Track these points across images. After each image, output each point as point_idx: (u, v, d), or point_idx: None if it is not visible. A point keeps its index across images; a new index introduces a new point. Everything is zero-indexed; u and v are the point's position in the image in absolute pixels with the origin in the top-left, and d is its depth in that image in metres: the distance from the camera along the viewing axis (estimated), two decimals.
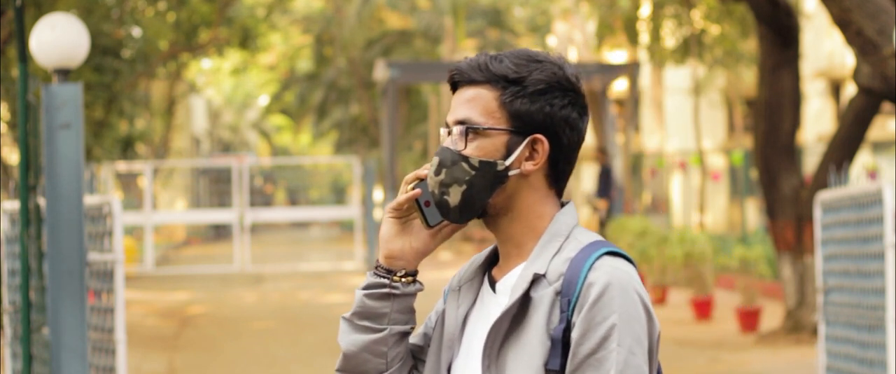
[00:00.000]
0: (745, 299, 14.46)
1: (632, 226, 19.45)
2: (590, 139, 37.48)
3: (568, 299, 2.23)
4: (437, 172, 2.31)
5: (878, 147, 29.08)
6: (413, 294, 2.41)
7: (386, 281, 2.39)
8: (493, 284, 2.37)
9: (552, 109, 2.30)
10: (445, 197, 2.31)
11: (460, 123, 2.31)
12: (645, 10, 26.15)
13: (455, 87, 2.37)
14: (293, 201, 41.02)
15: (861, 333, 8.05)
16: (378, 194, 32.56)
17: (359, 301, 2.39)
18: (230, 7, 23.16)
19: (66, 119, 6.71)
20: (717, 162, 33.07)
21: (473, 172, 2.29)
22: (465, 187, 2.30)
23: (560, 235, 2.31)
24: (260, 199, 39.35)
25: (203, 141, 51.89)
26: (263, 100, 56.59)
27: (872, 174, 15.24)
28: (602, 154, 26.07)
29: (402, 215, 2.39)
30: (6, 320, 8.07)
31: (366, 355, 2.39)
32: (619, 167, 26.27)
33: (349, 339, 2.40)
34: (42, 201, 6.83)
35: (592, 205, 26.41)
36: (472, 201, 2.30)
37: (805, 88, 25.28)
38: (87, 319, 6.84)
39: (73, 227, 6.72)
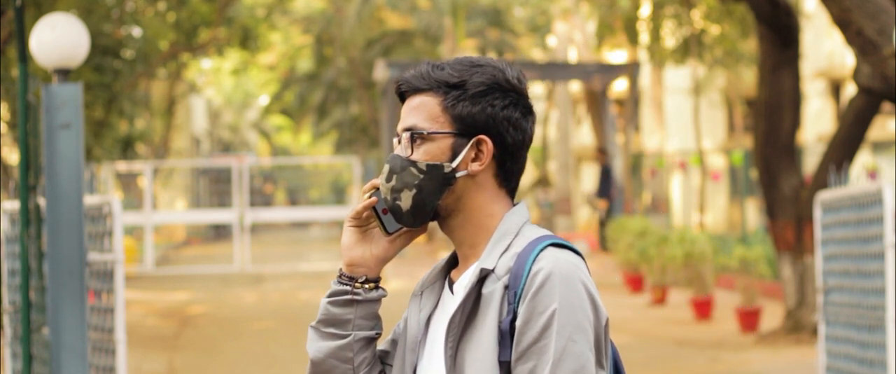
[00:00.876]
0: (745, 299, 14.46)
1: (632, 226, 19.45)
2: (590, 139, 37.50)
3: (514, 291, 2.28)
4: (389, 179, 2.39)
5: (878, 147, 29.08)
6: (376, 300, 2.47)
7: (348, 288, 2.45)
8: (451, 285, 2.43)
9: (494, 109, 2.36)
10: (398, 202, 2.38)
11: (407, 130, 2.38)
12: (645, 10, 26.15)
13: (402, 98, 2.43)
14: (293, 201, 41.04)
15: (861, 333, 8.05)
16: None
17: (323, 309, 2.46)
18: (230, 7, 23.16)
19: (66, 119, 6.71)
20: (717, 162, 33.06)
21: (422, 176, 2.36)
22: (415, 190, 2.36)
23: (509, 233, 2.36)
24: (260, 199, 39.36)
25: (203, 141, 51.89)
26: (263, 100, 56.58)
27: (872, 174, 15.23)
28: (602, 154, 26.06)
29: (362, 223, 2.46)
30: (6, 320, 8.07)
31: (332, 361, 2.45)
32: (619, 167, 26.26)
33: (316, 346, 2.46)
34: (42, 201, 6.83)
35: (592, 205, 26.41)
36: (423, 204, 2.37)
37: (805, 88, 25.28)
38: (87, 319, 6.85)
39: (73, 227, 6.72)
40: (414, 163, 2.37)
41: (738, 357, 12.56)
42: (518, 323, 2.26)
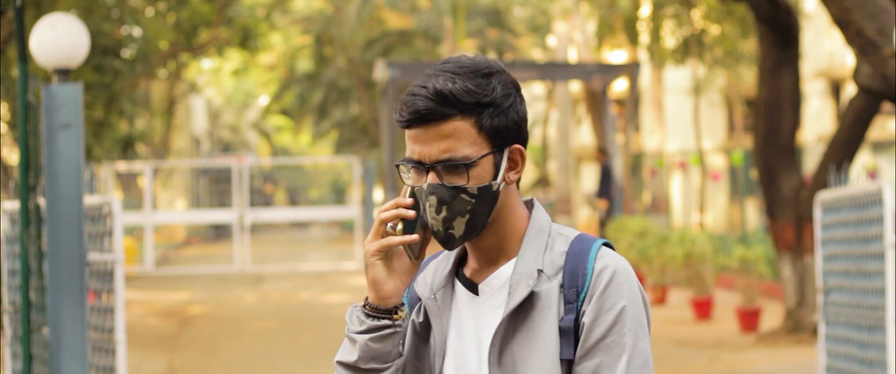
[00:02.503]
0: (745, 299, 14.46)
1: (632, 226, 19.45)
2: (590, 139, 37.50)
3: (576, 289, 2.30)
4: (439, 211, 2.33)
5: (878, 147, 29.07)
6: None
7: (389, 322, 2.38)
8: (468, 286, 2.40)
9: (517, 115, 2.36)
10: (451, 231, 2.34)
11: (447, 161, 2.31)
12: (645, 10, 26.15)
13: (414, 125, 2.33)
14: (293, 201, 41.03)
15: (861, 333, 8.05)
16: (378, 194, 32.57)
17: (363, 346, 2.36)
18: (230, 7, 23.16)
19: (66, 119, 6.71)
20: (717, 162, 33.06)
21: (474, 201, 2.33)
22: (468, 216, 2.33)
23: (543, 231, 2.37)
24: (260, 199, 39.33)
25: (203, 141, 51.89)
26: (263, 100, 56.60)
27: (872, 174, 15.24)
28: (602, 154, 26.07)
29: (385, 255, 2.38)
30: (6, 320, 8.07)
31: None
32: (619, 167, 26.26)
33: None
34: (42, 201, 6.83)
35: (592, 205, 26.39)
36: (475, 226, 2.35)
37: (805, 88, 25.29)
38: (87, 319, 6.85)
39: (73, 227, 6.72)
40: (464, 189, 2.32)
41: (738, 357, 12.56)
42: (586, 320, 2.29)
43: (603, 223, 24.44)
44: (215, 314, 17.75)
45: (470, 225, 2.33)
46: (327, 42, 41.35)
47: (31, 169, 6.86)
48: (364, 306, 2.39)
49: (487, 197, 2.33)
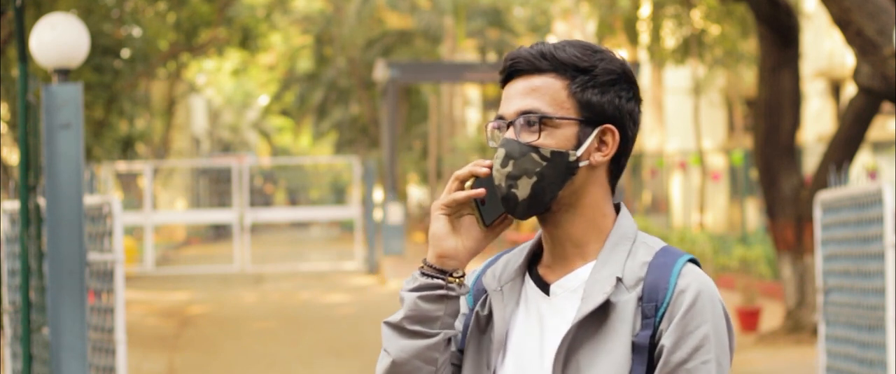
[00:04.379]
0: (745, 299, 14.46)
1: None
2: None
3: (654, 305, 2.17)
4: (505, 164, 2.20)
5: (878, 147, 29.07)
6: (462, 296, 2.29)
7: (441, 282, 2.25)
8: (540, 284, 2.27)
9: (620, 101, 2.24)
10: (513, 190, 2.20)
11: (527, 113, 2.21)
12: (645, 10, 26.15)
13: (510, 77, 2.27)
14: (293, 201, 41.00)
15: (861, 333, 8.05)
16: (378, 194, 32.57)
17: (411, 304, 2.25)
18: (230, 7, 23.16)
19: (66, 119, 6.71)
20: (717, 162, 33.06)
21: (545, 163, 2.19)
22: (535, 179, 2.20)
23: (627, 237, 2.23)
24: (260, 199, 39.33)
25: (203, 141, 51.89)
26: (263, 100, 56.60)
27: (872, 174, 15.24)
28: None
29: (454, 211, 2.26)
30: (6, 320, 8.07)
31: (417, 362, 2.25)
32: None
33: (398, 345, 2.26)
34: (42, 201, 6.83)
35: None
36: (542, 194, 2.20)
37: (805, 88, 25.29)
38: (87, 319, 6.84)
39: (73, 227, 6.72)
40: (536, 148, 2.19)
41: (738, 357, 12.56)
42: (666, 342, 2.15)
43: None
44: (215, 313, 17.75)
45: (536, 190, 2.19)
46: (327, 42, 41.36)
47: (31, 169, 6.86)
48: (422, 265, 2.28)
49: (561, 166, 2.19)
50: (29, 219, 6.88)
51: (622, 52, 34.70)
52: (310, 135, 52.85)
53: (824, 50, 31.97)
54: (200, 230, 39.69)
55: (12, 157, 17.56)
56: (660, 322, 2.16)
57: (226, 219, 27.94)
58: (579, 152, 2.21)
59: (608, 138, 2.23)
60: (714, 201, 33.69)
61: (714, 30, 24.55)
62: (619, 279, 2.19)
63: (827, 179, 11.67)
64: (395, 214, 25.93)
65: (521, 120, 2.21)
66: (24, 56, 6.83)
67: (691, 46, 23.94)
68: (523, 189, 2.20)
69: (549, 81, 2.23)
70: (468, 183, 2.26)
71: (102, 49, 18.45)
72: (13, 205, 7.89)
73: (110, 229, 7.14)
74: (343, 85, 42.65)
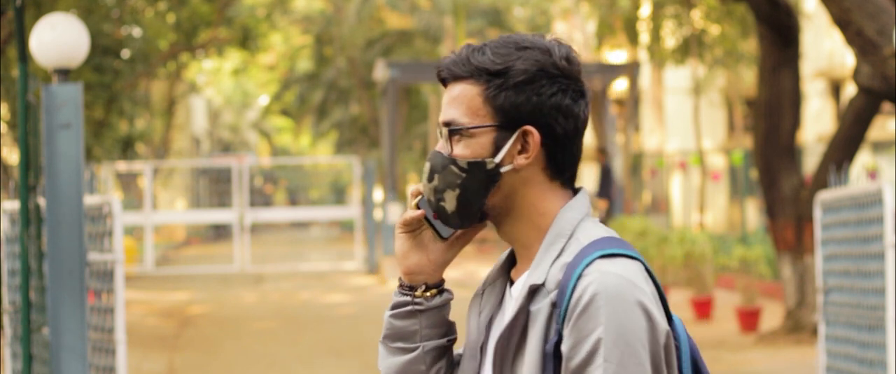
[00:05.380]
0: (745, 299, 14.46)
1: (632, 226, 19.44)
2: (590, 139, 37.49)
3: (561, 310, 2.09)
4: (430, 179, 2.21)
5: (878, 147, 29.08)
6: (442, 306, 2.30)
7: (408, 299, 2.28)
8: (512, 285, 2.26)
9: (540, 98, 2.16)
10: (442, 203, 2.20)
11: (446, 125, 2.19)
12: (645, 10, 26.15)
13: (444, 83, 2.24)
14: (293, 201, 41.01)
15: (861, 333, 8.05)
16: (378, 194, 32.56)
17: (387, 323, 2.30)
18: (230, 7, 23.17)
19: (66, 119, 6.71)
20: (717, 162, 33.06)
21: (464, 175, 2.17)
22: (458, 190, 2.18)
23: (562, 235, 2.16)
24: (260, 199, 39.35)
25: (203, 141, 51.89)
26: (263, 100, 56.60)
27: (872, 174, 15.24)
28: (602, 154, 26.06)
29: (414, 228, 2.28)
30: (6, 320, 8.07)
31: None
32: (619, 167, 26.27)
33: (386, 363, 2.31)
34: (42, 201, 6.83)
35: (592, 205, 26.35)
36: (469, 205, 2.18)
37: (805, 88, 25.29)
38: (87, 319, 6.85)
39: (73, 227, 6.72)
40: (454, 161, 2.17)
41: (738, 357, 12.56)
42: (564, 348, 2.07)
43: (603, 223, 24.46)
44: (215, 313, 17.75)
45: (462, 201, 2.17)
46: (327, 42, 41.36)
47: (31, 169, 6.86)
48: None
49: (481, 175, 2.16)
50: (29, 219, 6.88)
51: (622, 53, 34.75)
52: (310, 135, 52.85)
53: (824, 50, 31.98)
54: (200, 230, 39.69)
55: (12, 157, 17.55)
56: (562, 328, 2.09)
57: (226, 219, 27.95)
58: (497, 159, 2.16)
59: (529, 139, 2.16)
60: (714, 201, 33.69)
61: (714, 30, 24.56)
62: (536, 286, 2.13)
63: (827, 179, 11.67)
64: (395, 214, 25.93)
65: (444, 132, 2.19)
66: (24, 56, 6.83)
67: (691, 46, 23.94)
68: (450, 202, 2.19)
69: (466, 88, 2.19)
70: (413, 202, 2.28)
71: (102, 49, 18.45)
72: (13, 205, 7.89)
73: (110, 229, 7.14)
74: (343, 85, 42.65)
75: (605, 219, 24.22)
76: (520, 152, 2.17)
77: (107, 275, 7.18)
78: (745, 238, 21.35)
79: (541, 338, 2.11)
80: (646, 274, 2.13)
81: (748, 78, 29.54)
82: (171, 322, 16.67)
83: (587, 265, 2.09)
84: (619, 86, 33.27)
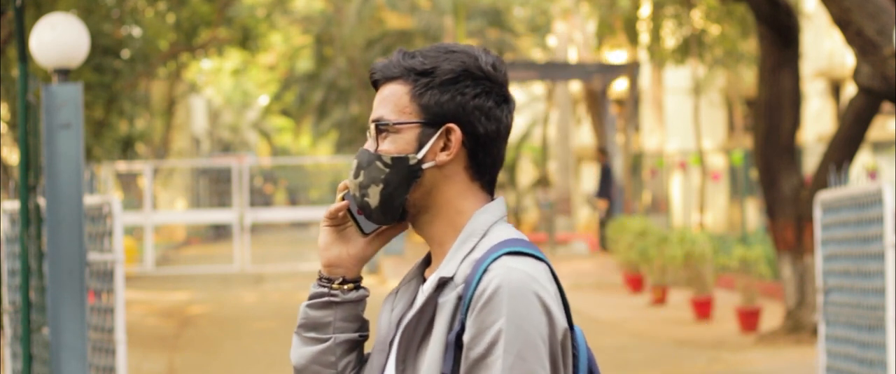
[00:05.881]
0: (745, 299, 14.46)
1: (632, 226, 19.45)
2: (590, 139, 37.51)
3: (465, 302, 2.17)
4: (356, 175, 2.29)
5: (878, 147, 29.07)
6: (357, 301, 2.38)
7: (325, 290, 2.37)
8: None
9: (464, 98, 2.25)
10: (366, 199, 2.28)
11: (375, 121, 2.29)
12: (645, 10, 26.15)
13: (376, 86, 2.34)
14: (293, 201, 41.00)
15: (861, 333, 8.05)
16: None
17: (302, 313, 2.38)
18: (230, 7, 23.16)
19: (66, 119, 6.72)
20: (717, 162, 33.06)
21: (388, 170, 2.26)
22: (382, 186, 2.26)
23: (475, 234, 2.24)
24: (260, 199, 39.33)
25: (203, 141, 51.89)
26: (263, 100, 56.60)
27: (872, 174, 15.24)
28: (602, 154, 26.05)
29: (338, 222, 2.37)
30: (6, 320, 8.08)
31: (315, 366, 2.36)
32: (618, 167, 26.26)
33: (298, 352, 2.38)
34: (42, 201, 6.83)
35: (592, 205, 26.39)
36: (391, 200, 2.27)
37: (805, 88, 25.29)
38: (87, 319, 6.85)
39: (73, 227, 6.72)
40: (379, 157, 2.26)
41: (738, 357, 12.56)
42: (466, 338, 2.15)
43: (603, 223, 24.45)
44: (215, 313, 17.75)
45: (385, 197, 2.26)
46: (327, 42, 41.35)
47: (31, 169, 6.86)
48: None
49: (404, 170, 2.25)
50: (29, 219, 6.88)
51: (622, 53, 34.75)
52: (310, 135, 52.86)
53: (824, 50, 31.97)
54: (200, 230, 39.68)
55: (12, 157, 17.55)
56: (465, 318, 2.16)
57: (226, 219, 27.94)
58: (420, 155, 2.25)
59: (452, 137, 2.25)
60: (714, 201, 33.69)
61: (714, 30, 24.55)
62: (445, 279, 2.21)
63: (827, 179, 11.67)
64: None
65: (372, 130, 2.29)
66: (24, 56, 6.83)
67: (691, 46, 23.94)
68: (374, 197, 2.28)
69: (396, 88, 2.28)
70: (340, 196, 2.35)
71: (102, 49, 18.45)
72: (13, 205, 7.89)
73: (110, 229, 7.14)
74: (343, 85, 42.64)
75: (606, 219, 24.23)
76: (442, 149, 2.26)
77: (107, 275, 7.18)
78: (745, 238, 21.35)
79: (445, 328, 2.18)
80: (550, 276, 2.21)
81: (748, 78, 29.54)
82: (171, 322, 16.67)
83: (493, 261, 2.17)
84: (619, 86, 33.27)
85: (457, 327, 2.17)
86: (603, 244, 24.25)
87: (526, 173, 43.47)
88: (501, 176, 38.92)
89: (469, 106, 2.25)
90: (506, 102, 2.29)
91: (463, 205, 2.28)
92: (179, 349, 14.16)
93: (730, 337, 14.00)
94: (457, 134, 2.25)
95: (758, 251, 15.33)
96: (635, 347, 13.24)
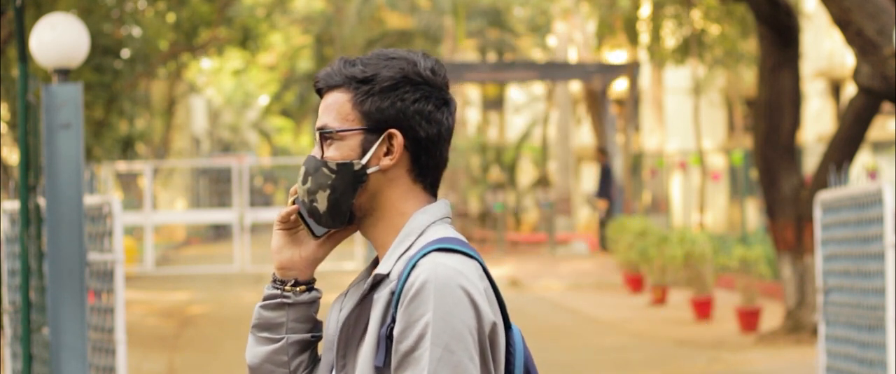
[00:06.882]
0: (745, 299, 14.46)
1: (632, 226, 19.44)
2: (590, 139, 37.48)
3: (397, 297, 2.25)
4: (304, 181, 2.36)
5: (878, 147, 29.07)
6: (309, 303, 2.45)
7: (278, 292, 2.43)
8: None
9: (404, 103, 2.32)
10: (315, 204, 2.35)
11: (319, 129, 2.35)
12: (645, 10, 26.15)
13: (320, 94, 2.40)
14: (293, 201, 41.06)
15: (861, 333, 8.05)
16: None
17: (256, 313, 2.44)
18: (230, 7, 23.16)
19: (66, 119, 6.72)
20: (717, 162, 33.06)
21: (334, 176, 2.33)
22: (328, 191, 2.33)
23: (412, 233, 2.32)
24: (260, 199, 39.35)
25: (203, 141, 51.89)
26: (263, 100, 56.60)
27: (872, 174, 15.23)
28: (602, 154, 26.05)
29: (290, 226, 2.43)
30: (6, 320, 8.08)
31: (268, 366, 2.43)
32: (618, 167, 26.26)
33: (252, 352, 2.45)
34: (42, 201, 6.83)
35: (592, 205, 26.40)
36: (338, 205, 2.34)
37: (805, 88, 25.28)
38: (87, 319, 6.85)
39: (73, 227, 6.72)
40: (325, 163, 2.33)
41: (738, 357, 12.56)
42: (395, 331, 2.22)
43: (603, 223, 24.46)
44: (215, 313, 17.75)
45: (332, 201, 2.33)
46: (327, 42, 41.34)
47: (31, 169, 6.86)
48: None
49: (349, 176, 2.33)
50: (29, 219, 6.88)
51: (622, 53, 34.74)
52: (310, 135, 52.86)
53: (824, 50, 31.97)
54: (200, 230, 39.67)
55: (12, 157, 17.55)
56: (396, 312, 2.23)
57: (226, 219, 27.94)
58: (364, 161, 2.33)
59: (394, 142, 2.32)
60: (714, 201, 33.69)
61: (714, 30, 24.56)
62: (380, 276, 2.28)
63: (827, 179, 11.67)
64: None
65: (318, 137, 2.36)
66: (24, 56, 6.83)
67: (691, 46, 23.94)
68: (322, 202, 2.35)
69: (338, 96, 2.35)
70: (290, 200, 2.43)
71: (102, 49, 18.45)
72: (13, 205, 7.89)
73: (110, 229, 7.14)
74: None
75: (606, 219, 24.23)
76: (385, 154, 2.33)
77: (107, 275, 7.18)
78: (745, 238, 21.35)
79: (378, 323, 2.26)
80: (481, 273, 2.28)
81: (748, 78, 29.54)
82: (171, 322, 16.67)
83: (422, 257, 2.25)
84: (619, 86, 33.27)
85: (389, 321, 2.24)
86: (603, 244, 24.26)
87: (526, 173, 43.46)
88: (502, 176, 38.92)
89: (409, 111, 2.32)
90: (446, 104, 2.36)
91: (404, 207, 2.35)
92: (179, 349, 14.16)
93: (730, 337, 14.00)
94: (398, 139, 2.32)
95: (758, 251, 15.32)
96: (635, 347, 13.24)
